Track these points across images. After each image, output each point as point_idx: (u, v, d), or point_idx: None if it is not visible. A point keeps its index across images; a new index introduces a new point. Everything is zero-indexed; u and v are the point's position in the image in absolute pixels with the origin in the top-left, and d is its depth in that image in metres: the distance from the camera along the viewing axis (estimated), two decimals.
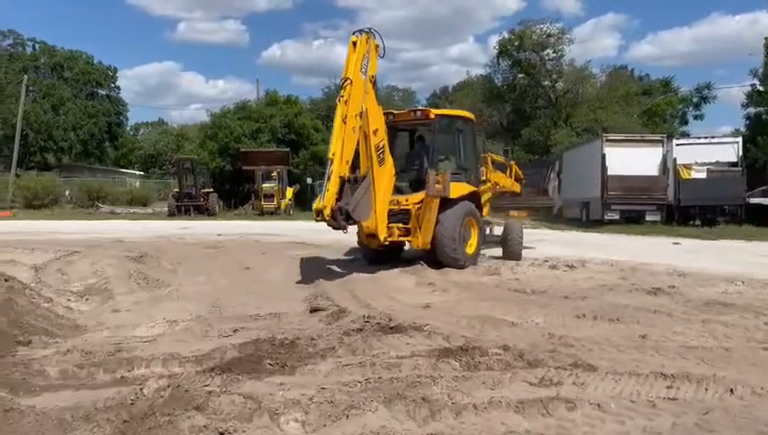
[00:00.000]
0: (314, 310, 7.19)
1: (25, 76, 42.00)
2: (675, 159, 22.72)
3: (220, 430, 3.48)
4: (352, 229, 9.73)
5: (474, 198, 10.70)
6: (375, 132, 9.35)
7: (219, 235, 17.21)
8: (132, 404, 3.84)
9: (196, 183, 31.58)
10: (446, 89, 64.55)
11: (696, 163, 22.46)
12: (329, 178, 8.51)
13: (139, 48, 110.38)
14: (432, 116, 10.64)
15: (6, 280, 6.56)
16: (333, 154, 8.53)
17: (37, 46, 53.71)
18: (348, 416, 3.69)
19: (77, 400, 4.05)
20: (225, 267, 10.12)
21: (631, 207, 22.64)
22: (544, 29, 41.73)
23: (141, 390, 4.02)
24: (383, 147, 9.53)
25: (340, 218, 8.59)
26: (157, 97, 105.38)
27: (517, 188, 13.28)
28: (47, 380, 4.64)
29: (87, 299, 7.98)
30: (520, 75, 43.68)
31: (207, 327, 6.37)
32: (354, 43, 9.07)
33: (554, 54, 42.21)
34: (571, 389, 4.17)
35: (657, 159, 23.15)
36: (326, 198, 8.43)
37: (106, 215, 29.99)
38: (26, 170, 39.37)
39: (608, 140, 23.50)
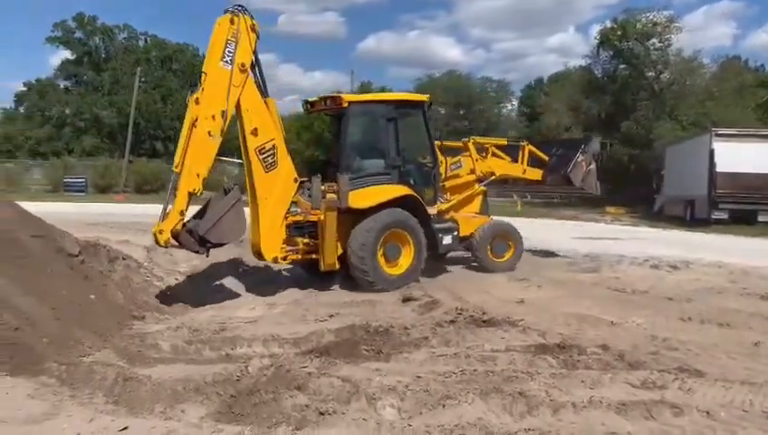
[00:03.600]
0: (407, 299, 7.27)
1: (138, 68, 44.81)
2: None
3: (320, 410, 3.60)
4: None
5: (409, 202, 8.51)
6: (255, 132, 7.66)
7: None
8: (238, 380, 4.06)
9: None
10: (540, 80, 62.72)
11: None
12: (173, 195, 6.99)
13: None
14: (344, 104, 8.61)
15: (124, 259, 7.06)
16: (177, 166, 6.98)
17: (149, 40, 57.26)
18: (444, 406, 3.72)
19: (188, 373, 4.33)
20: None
21: (742, 207, 21.17)
22: (650, 17, 39.56)
23: (246, 367, 4.23)
24: (272, 149, 7.79)
25: (191, 242, 7.01)
26: None
27: (534, 175, 11.07)
28: (160, 353, 5.01)
29: (193, 280, 8.47)
30: (621, 66, 41.71)
31: (304, 311, 6.62)
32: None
33: (660, 44, 39.93)
34: (677, 394, 4.00)
35: None
36: (167, 220, 6.89)
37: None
38: (137, 157, 42.05)
39: (717, 135, 22.03)
